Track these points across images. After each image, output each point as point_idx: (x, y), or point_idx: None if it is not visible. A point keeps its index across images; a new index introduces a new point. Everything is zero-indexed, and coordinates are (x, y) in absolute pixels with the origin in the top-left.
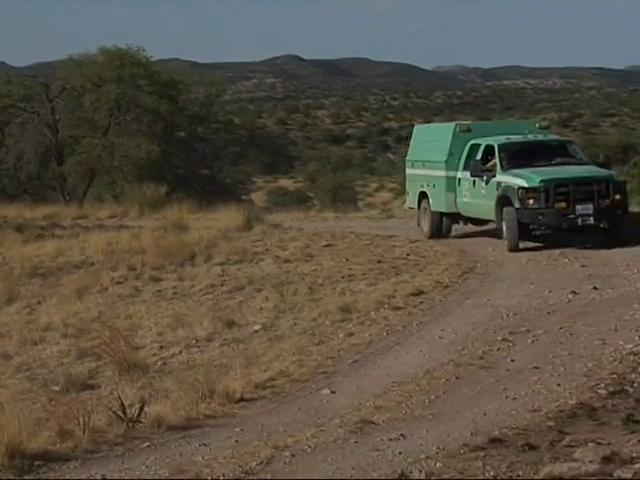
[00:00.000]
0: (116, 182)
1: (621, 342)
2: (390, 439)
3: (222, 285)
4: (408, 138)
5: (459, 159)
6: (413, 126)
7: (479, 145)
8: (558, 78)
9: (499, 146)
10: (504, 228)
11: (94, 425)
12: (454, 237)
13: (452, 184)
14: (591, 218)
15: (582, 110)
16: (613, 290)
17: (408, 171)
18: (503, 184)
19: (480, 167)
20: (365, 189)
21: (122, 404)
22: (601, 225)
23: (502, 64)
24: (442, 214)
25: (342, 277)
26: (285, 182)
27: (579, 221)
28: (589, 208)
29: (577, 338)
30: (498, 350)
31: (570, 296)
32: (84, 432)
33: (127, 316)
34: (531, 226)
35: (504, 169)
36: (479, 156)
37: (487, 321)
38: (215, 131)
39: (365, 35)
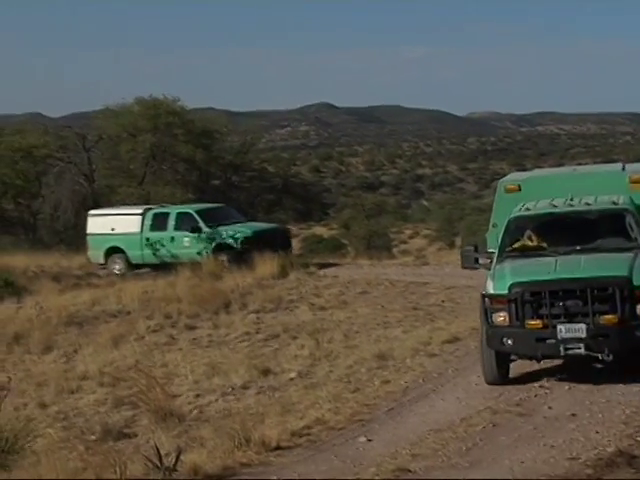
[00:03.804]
0: None
1: None
2: None
3: (257, 333)
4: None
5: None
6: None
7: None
8: (592, 124)
9: (508, 222)
10: (481, 352)
11: (131, 474)
12: None
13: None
14: (581, 345)
15: (617, 156)
16: None
17: None
18: (486, 285)
19: (472, 255)
20: (399, 236)
21: (159, 453)
22: (600, 357)
23: (535, 110)
24: None
25: (377, 324)
26: (319, 229)
27: (561, 349)
28: (579, 329)
29: (615, 385)
30: (535, 397)
31: None
32: None
33: (163, 364)
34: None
35: (500, 258)
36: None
37: (523, 367)
38: (250, 179)
39: (397, 82)
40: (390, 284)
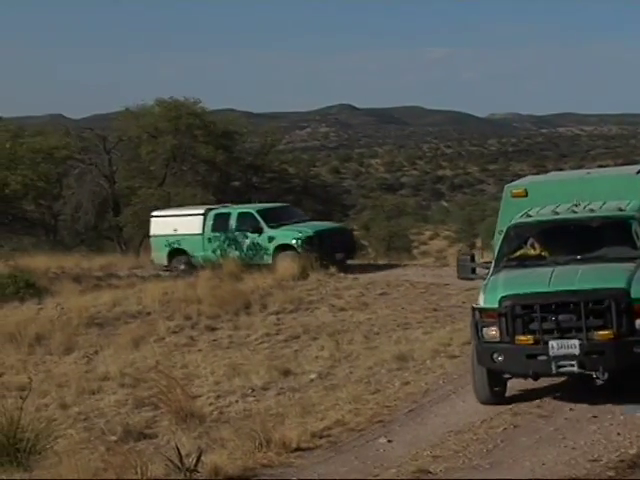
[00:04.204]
0: None
1: None
2: None
3: (277, 334)
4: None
5: None
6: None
7: None
8: (613, 125)
9: (507, 229)
10: (472, 369)
11: (152, 475)
12: None
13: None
14: (574, 362)
15: (639, 157)
16: None
17: None
18: (478, 297)
19: (468, 265)
20: (419, 237)
21: (179, 454)
22: (594, 375)
23: (556, 111)
24: None
25: (397, 325)
26: None
27: (553, 366)
28: (572, 345)
29: (637, 387)
30: (556, 399)
31: None
32: None
33: (183, 365)
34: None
35: (497, 268)
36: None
37: None
38: (270, 180)
39: (418, 84)
40: (410, 285)
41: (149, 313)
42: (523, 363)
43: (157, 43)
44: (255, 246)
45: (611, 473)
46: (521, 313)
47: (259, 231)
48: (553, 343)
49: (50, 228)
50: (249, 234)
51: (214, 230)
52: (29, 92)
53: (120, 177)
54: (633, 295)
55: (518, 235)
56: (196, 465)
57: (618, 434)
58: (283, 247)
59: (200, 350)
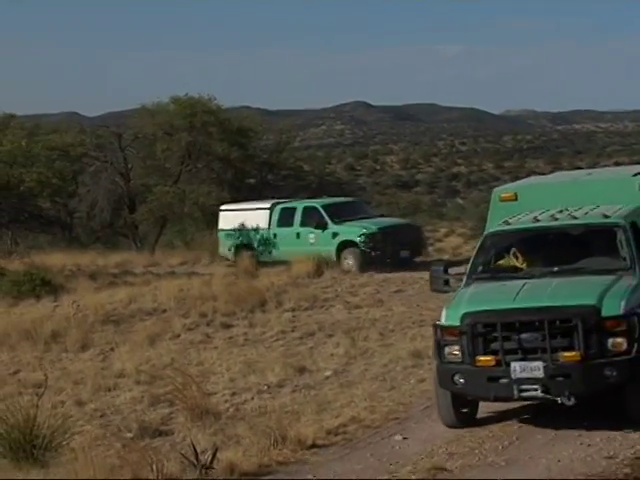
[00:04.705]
0: (187, 229)
1: None
2: None
3: (293, 331)
4: None
5: None
6: None
7: None
8: (629, 121)
9: (483, 238)
10: (435, 390)
11: (167, 472)
12: None
13: None
14: (538, 386)
15: None
16: None
17: None
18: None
19: (441, 277)
20: (435, 234)
21: (195, 450)
22: (558, 400)
23: (572, 108)
24: None
25: (413, 322)
26: None
27: (515, 390)
28: (535, 367)
29: None
30: None
31: None
32: (157, 479)
33: (199, 362)
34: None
35: (469, 281)
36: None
37: None
38: (285, 178)
39: (433, 80)
40: (426, 282)
41: (164, 310)
42: (484, 386)
43: (172, 41)
44: (319, 242)
45: (627, 470)
46: (482, 332)
47: (324, 226)
48: (515, 365)
49: (66, 225)
50: (314, 229)
51: (280, 225)
52: (44, 90)
53: (135, 174)
54: (604, 312)
55: (495, 245)
56: (211, 462)
57: (634, 431)
58: (347, 243)
59: (215, 347)
